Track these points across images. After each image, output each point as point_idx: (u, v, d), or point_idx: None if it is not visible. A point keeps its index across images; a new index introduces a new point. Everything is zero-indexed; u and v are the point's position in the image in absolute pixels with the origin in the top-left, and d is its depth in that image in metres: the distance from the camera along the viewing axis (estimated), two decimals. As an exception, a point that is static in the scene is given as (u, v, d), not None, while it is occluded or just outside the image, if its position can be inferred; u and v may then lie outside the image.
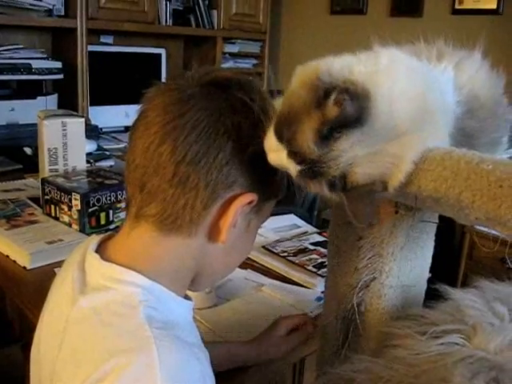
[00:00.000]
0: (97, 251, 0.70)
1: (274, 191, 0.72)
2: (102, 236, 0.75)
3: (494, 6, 2.91)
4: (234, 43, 3.68)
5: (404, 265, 0.76)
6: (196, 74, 0.69)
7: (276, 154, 0.61)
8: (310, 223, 1.84)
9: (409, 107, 0.56)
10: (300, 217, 1.85)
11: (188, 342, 0.62)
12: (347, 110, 0.54)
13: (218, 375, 0.66)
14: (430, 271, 0.82)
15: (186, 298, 0.73)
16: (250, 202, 0.67)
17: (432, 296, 0.75)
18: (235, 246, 0.71)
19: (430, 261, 0.81)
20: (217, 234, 0.67)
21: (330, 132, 0.55)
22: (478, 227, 2.29)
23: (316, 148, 0.56)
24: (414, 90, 0.57)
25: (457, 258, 2.64)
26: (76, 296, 0.67)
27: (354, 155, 0.55)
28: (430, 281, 0.82)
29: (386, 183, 0.58)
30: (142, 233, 0.67)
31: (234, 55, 3.72)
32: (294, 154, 0.58)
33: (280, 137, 0.60)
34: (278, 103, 0.64)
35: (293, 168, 0.59)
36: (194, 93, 0.66)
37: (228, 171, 0.64)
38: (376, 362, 0.66)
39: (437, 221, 0.77)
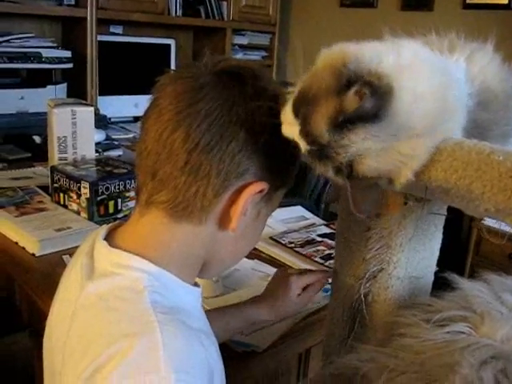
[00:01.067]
0: (106, 239, 0.71)
1: (284, 181, 0.72)
2: (111, 224, 0.75)
3: (506, 1, 2.89)
4: (243, 35, 3.68)
5: (412, 256, 0.76)
6: (208, 62, 0.68)
7: (290, 127, 0.60)
8: (318, 215, 1.84)
9: (429, 108, 0.55)
10: (308, 209, 1.86)
11: (194, 328, 0.62)
12: (366, 105, 0.53)
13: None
14: (437, 265, 0.83)
15: (195, 284, 0.73)
16: (260, 191, 0.67)
17: (439, 287, 0.76)
18: (244, 234, 0.72)
19: (437, 253, 0.81)
20: (227, 222, 0.68)
21: (345, 122, 0.54)
22: (485, 222, 2.28)
23: (327, 134, 0.56)
24: (436, 90, 0.56)
25: (463, 252, 2.64)
26: (84, 282, 0.68)
27: (365, 148, 0.55)
28: (436, 274, 0.82)
29: (392, 180, 0.58)
30: (152, 219, 0.68)
31: (243, 47, 3.72)
32: (305, 133, 0.58)
33: (296, 113, 0.59)
34: (293, 90, 0.64)
35: (303, 145, 0.59)
36: (206, 81, 0.66)
37: (240, 160, 0.65)
38: (382, 352, 0.66)
39: (445, 213, 0.78)
